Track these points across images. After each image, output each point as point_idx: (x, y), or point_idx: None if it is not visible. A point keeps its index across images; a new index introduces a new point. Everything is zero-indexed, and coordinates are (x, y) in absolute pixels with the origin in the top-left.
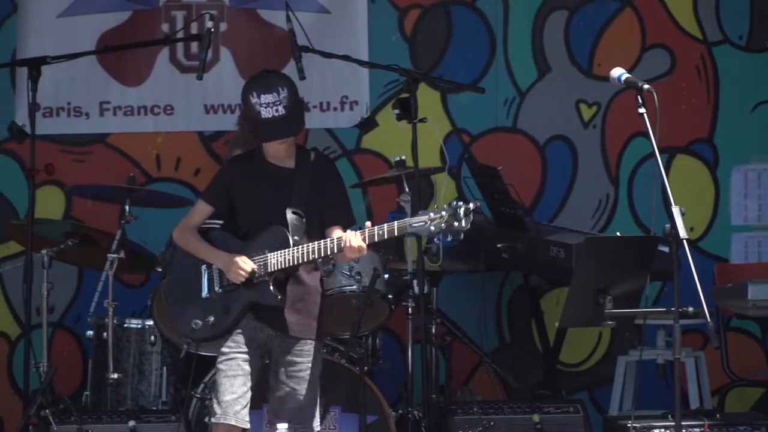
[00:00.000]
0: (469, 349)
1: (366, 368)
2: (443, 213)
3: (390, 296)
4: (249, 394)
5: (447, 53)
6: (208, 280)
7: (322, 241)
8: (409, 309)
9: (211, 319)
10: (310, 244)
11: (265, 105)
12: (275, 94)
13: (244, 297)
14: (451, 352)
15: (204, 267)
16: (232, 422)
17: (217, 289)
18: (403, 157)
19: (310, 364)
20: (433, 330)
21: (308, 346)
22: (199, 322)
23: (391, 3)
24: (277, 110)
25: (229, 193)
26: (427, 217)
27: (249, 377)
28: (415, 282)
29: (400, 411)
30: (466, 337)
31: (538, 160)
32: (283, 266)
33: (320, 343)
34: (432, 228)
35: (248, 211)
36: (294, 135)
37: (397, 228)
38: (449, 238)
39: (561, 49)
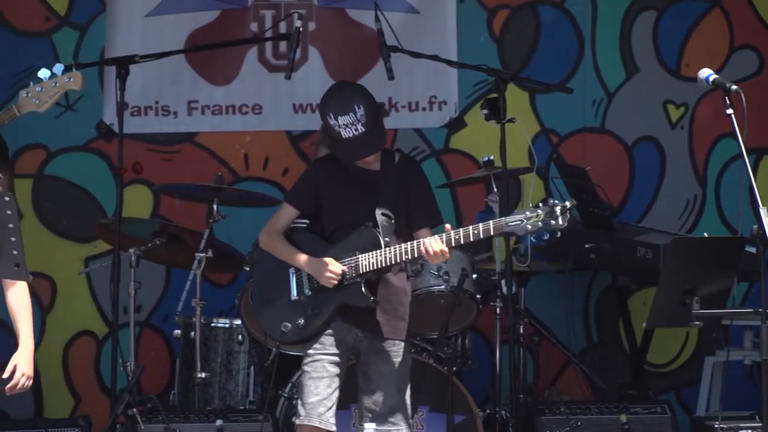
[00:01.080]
0: (556, 349)
1: (454, 368)
2: (539, 211)
3: (478, 296)
4: (335, 396)
5: (535, 53)
6: (297, 282)
7: (413, 242)
8: (497, 309)
9: (301, 321)
10: (402, 245)
11: (343, 126)
12: (352, 114)
13: (336, 299)
14: (539, 352)
15: (292, 270)
16: (316, 424)
17: (306, 291)
18: (492, 158)
19: (399, 365)
20: (521, 330)
21: (397, 347)
22: (289, 325)
23: (480, 3)
24: (356, 129)
25: (315, 195)
26: (523, 215)
27: (334, 379)
28: (503, 282)
29: (488, 411)
30: (554, 337)
31: (625, 161)
32: (375, 268)
33: (409, 344)
34: (529, 227)
35: (335, 212)
36: (376, 151)
37: (493, 227)
38: (545, 237)
39: (649, 49)
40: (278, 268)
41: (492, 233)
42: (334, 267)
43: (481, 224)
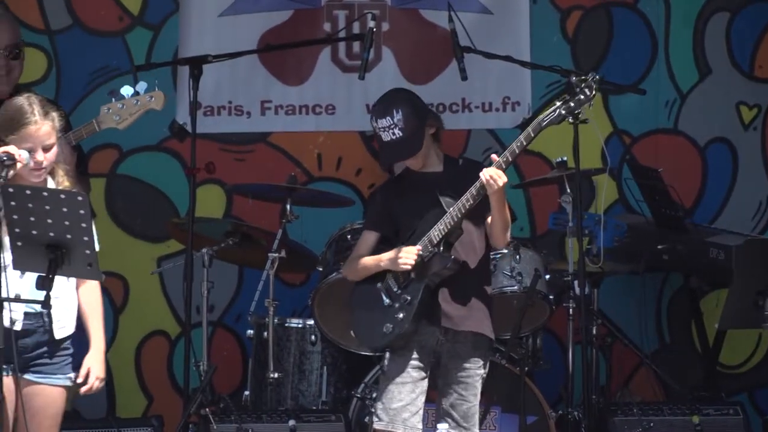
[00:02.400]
0: (629, 350)
1: (526, 369)
2: (566, 95)
3: (551, 297)
4: (420, 401)
5: (608, 54)
6: (386, 290)
7: (469, 190)
8: (570, 310)
9: (400, 315)
10: (459, 200)
11: (382, 129)
12: (389, 118)
13: (420, 276)
14: (612, 353)
15: (378, 284)
16: (400, 429)
17: (395, 290)
18: (565, 158)
19: (479, 370)
20: (594, 331)
21: (478, 352)
22: (390, 326)
23: (553, 4)
24: (393, 133)
25: (388, 215)
26: (553, 106)
27: (418, 384)
28: (576, 283)
29: (560, 411)
30: (626, 338)
31: (698, 162)
32: (444, 233)
33: (489, 349)
34: (563, 111)
35: (408, 220)
36: (410, 157)
37: (532, 129)
38: (581, 111)
39: (722, 50)
40: (366, 290)
41: (533, 135)
42: (408, 249)
43: (521, 134)
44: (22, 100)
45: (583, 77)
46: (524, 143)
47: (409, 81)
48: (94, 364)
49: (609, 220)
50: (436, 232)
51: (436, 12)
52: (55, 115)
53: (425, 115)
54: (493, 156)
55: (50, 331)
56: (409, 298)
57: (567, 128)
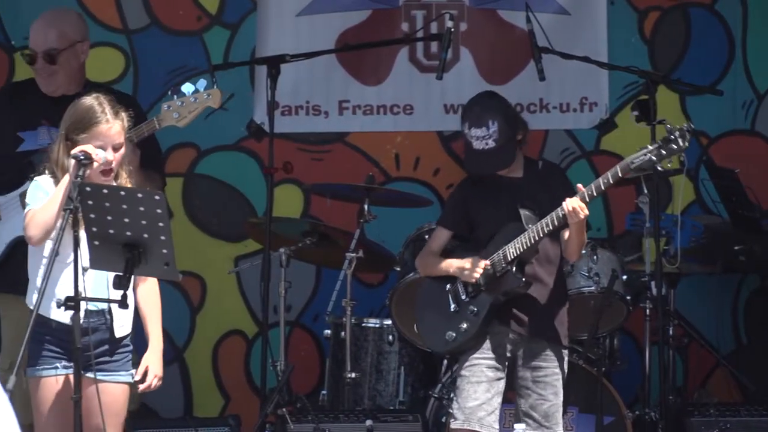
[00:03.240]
0: (705, 350)
1: (603, 369)
2: (659, 142)
3: (628, 297)
4: (495, 401)
5: (686, 55)
6: (453, 294)
7: (550, 214)
8: (647, 310)
9: (464, 326)
10: (540, 221)
11: (475, 138)
12: (485, 128)
13: (491, 291)
14: (688, 353)
15: (447, 286)
16: (476, 428)
17: (463, 298)
18: None
19: (556, 369)
20: (671, 331)
21: (553, 350)
22: (453, 334)
23: (631, 4)
24: (486, 143)
25: (464, 214)
26: (645, 149)
27: (493, 383)
28: (653, 283)
29: (637, 412)
30: (703, 338)
31: None
32: (519, 251)
33: (565, 348)
34: (653, 157)
35: (486, 225)
36: (500, 170)
37: (621, 169)
38: (670, 162)
39: None
40: (435, 290)
41: (621, 175)
42: (478, 261)
43: (609, 171)
44: (91, 99)
45: (678, 126)
46: (610, 181)
47: (487, 81)
48: (153, 362)
49: (686, 221)
50: (512, 249)
51: (513, 12)
52: (124, 115)
53: (517, 126)
54: (579, 186)
55: (111, 330)
56: (476, 309)
57: (644, 129)
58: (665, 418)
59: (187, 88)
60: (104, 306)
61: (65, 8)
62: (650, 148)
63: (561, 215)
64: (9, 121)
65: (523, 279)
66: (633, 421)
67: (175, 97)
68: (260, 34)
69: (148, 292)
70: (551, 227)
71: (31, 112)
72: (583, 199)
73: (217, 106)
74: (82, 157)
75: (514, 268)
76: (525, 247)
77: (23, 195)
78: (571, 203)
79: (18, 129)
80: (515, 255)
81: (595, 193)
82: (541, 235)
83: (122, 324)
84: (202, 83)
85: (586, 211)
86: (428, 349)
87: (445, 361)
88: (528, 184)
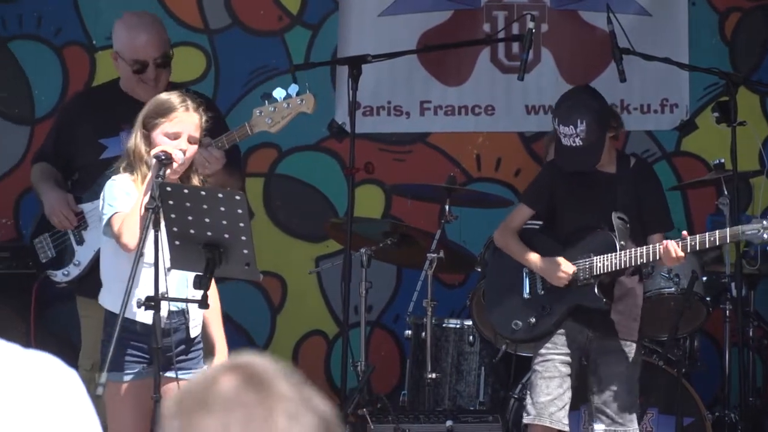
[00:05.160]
0: None
1: (683, 370)
2: None
3: (708, 299)
4: (567, 396)
5: (766, 56)
6: (530, 282)
7: (649, 246)
8: (727, 311)
9: (533, 320)
10: (638, 248)
11: (563, 135)
12: (572, 126)
13: (569, 300)
14: None
15: (525, 270)
16: (547, 423)
17: (539, 290)
18: (722, 160)
19: (629, 366)
20: (751, 333)
21: (628, 348)
22: (520, 323)
23: (711, 5)
24: (574, 141)
25: (549, 196)
26: (760, 225)
27: (566, 379)
28: (733, 285)
29: (717, 413)
30: None
31: None
32: (609, 270)
33: (640, 345)
34: (765, 236)
35: (571, 214)
36: (586, 169)
37: (730, 235)
38: None
39: None
40: (511, 268)
41: (728, 241)
42: (566, 267)
43: (717, 232)
44: (173, 92)
45: None
46: (716, 243)
47: (568, 82)
48: None
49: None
50: (600, 264)
51: (594, 13)
52: (203, 114)
53: (608, 123)
54: (684, 233)
55: (188, 329)
56: (549, 309)
57: (725, 130)
58: (745, 419)
59: (279, 93)
60: (183, 306)
61: (146, 12)
62: (766, 224)
63: (657, 255)
64: (90, 128)
65: (604, 300)
66: (713, 422)
67: (267, 102)
68: (342, 34)
69: (210, 297)
70: (644, 260)
71: (112, 117)
72: (684, 249)
73: (311, 112)
74: (162, 157)
75: (596, 288)
76: (614, 269)
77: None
78: (673, 250)
79: (99, 136)
80: (602, 273)
81: (698, 248)
82: (633, 265)
83: (196, 324)
84: (294, 88)
85: (684, 260)
86: (491, 331)
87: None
88: (621, 180)
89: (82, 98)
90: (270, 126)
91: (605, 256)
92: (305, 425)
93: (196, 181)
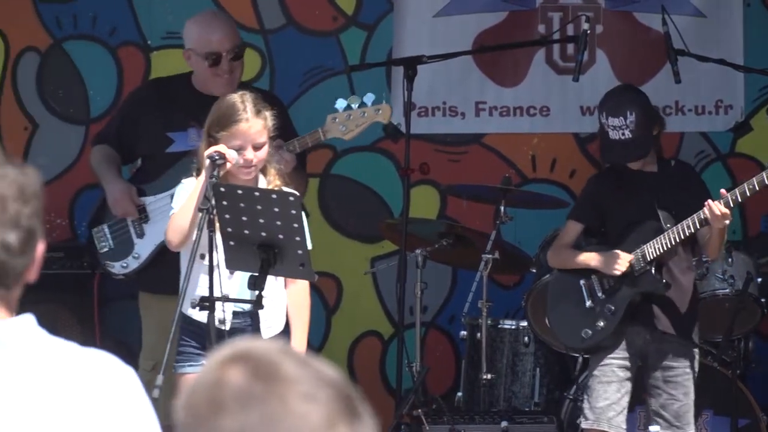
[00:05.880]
0: None
1: (738, 371)
2: None
3: (762, 300)
4: (625, 401)
5: None
6: (588, 290)
7: (693, 215)
8: None
9: (601, 324)
10: (681, 224)
11: (612, 127)
12: (622, 118)
13: (629, 292)
14: None
15: (582, 281)
16: (605, 428)
17: (599, 295)
18: None
19: (687, 369)
20: None
21: (685, 351)
22: (589, 331)
23: (766, 6)
24: (623, 134)
25: (597, 208)
26: None
27: (624, 383)
28: None
29: None
30: None
31: None
32: (660, 252)
33: (696, 347)
34: None
35: (618, 216)
36: (636, 160)
37: (766, 176)
38: None
39: None
40: (569, 284)
41: (766, 182)
42: (623, 255)
43: (755, 177)
44: (235, 97)
45: None
46: (756, 188)
47: (622, 83)
48: None
49: None
50: (652, 249)
51: (649, 14)
52: (267, 114)
53: (654, 119)
54: (723, 191)
55: (257, 331)
56: (613, 308)
57: None
58: None
59: (354, 101)
60: (250, 307)
61: (216, 9)
62: None
63: (702, 218)
64: (157, 120)
65: (663, 281)
66: None
67: (341, 109)
68: (397, 35)
69: (297, 294)
70: (692, 230)
71: (180, 112)
72: (727, 205)
73: (387, 122)
74: (216, 157)
75: (653, 270)
76: (665, 248)
77: (173, 197)
78: (716, 207)
79: (167, 129)
80: (655, 255)
81: (739, 199)
82: (682, 237)
83: (270, 325)
84: (369, 97)
85: (730, 217)
86: (560, 345)
87: (580, 359)
88: (663, 179)
89: (153, 87)
90: (344, 133)
91: (655, 239)
92: (324, 402)
93: (273, 174)
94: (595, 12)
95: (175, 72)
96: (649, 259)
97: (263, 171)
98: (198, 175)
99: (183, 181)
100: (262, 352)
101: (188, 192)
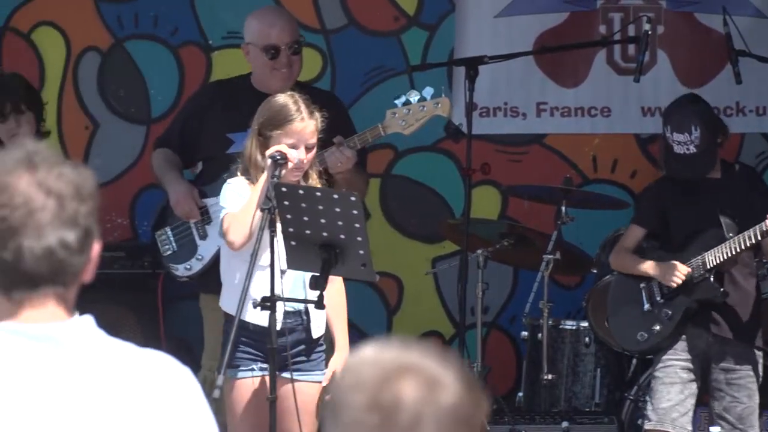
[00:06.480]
0: None
1: None
2: None
3: None
4: (689, 402)
5: None
6: (647, 294)
7: (753, 228)
8: None
9: (657, 327)
10: (742, 234)
11: (676, 142)
12: (686, 134)
13: (687, 300)
14: None
15: (642, 284)
16: (669, 429)
17: (658, 299)
18: None
19: (750, 372)
20: None
21: (747, 352)
22: (645, 335)
23: None
24: (687, 149)
25: (660, 212)
26: None
27: (687, 385)
28: None
29: None
30: None
31: None
32: (720, 260)
33: (760, 350)
34: None
35: (681, 222)
36: (699, 176)
37: None
38: None
39: None
40: (629, 286)
41: None
42: (680, 267)
43: None
44: (286, 97)
45: None
46: None
47: (683, 84)
48: (340, 367)
49: None
50: (712, 257)
51: (710, 15)
52: (318, 115)
53: (718, 131)
54: None
55: (308, 330)
56: (670, 313)
57: None
58: None
59: (413, 95)
60: (301, 307)
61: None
62: None
63: (765, 230)
64: (218, 122)
65: (721, 289)
66: None
67: (399, 104)
68: (458, 35)
69: (335, 295)
70: (753, 241)
71: (241, 113)
72: None
73: (447, 115)
74: (278, 157)
75: (712, 278)
76: (726, 257)
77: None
78: None
79: (227, 130)
80: (715, 264)
81: None
82: (743, 248)
83: (318, 324)
84: (428, 91)
85: None
86: (618, 346)
87: (635, 361)
88: (726, 185)
89: (213, 89)
90: (403, 128)
91: (716, 248)
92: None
93: (314, 177)
94: (656, 12)
95: (235, 71)
96: (708, 267)
97: (304, 174)
98: (242, 174)
99: (229, 180)
100: (433, 369)
101: (236, 192)
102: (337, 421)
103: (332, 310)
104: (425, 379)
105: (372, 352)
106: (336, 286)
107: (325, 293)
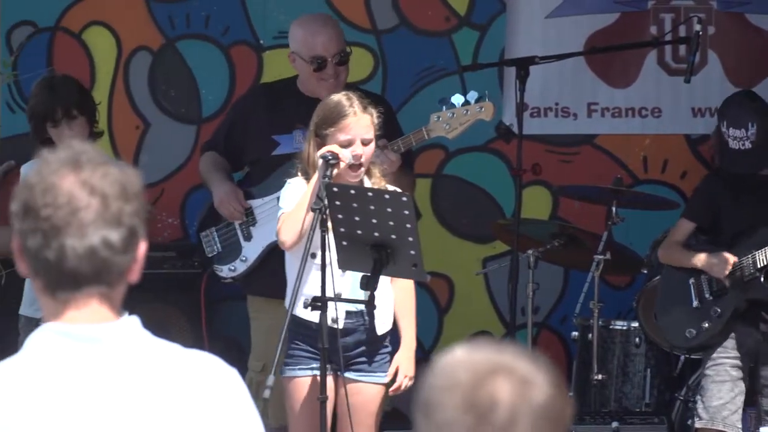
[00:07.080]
0: None
1: None
2: None
3: None
4: (739, 400)
5: None
6: (696, 290)
7: None
8: None
9: (705, 325)
10: None
11: (733, 138)
12: (743, 130)
13: (737, 298)
14: None
15: (691, 280)
16: (720, 427)
17: (707, 296)
18: None
19: None
20: None
21: None
22: (694, 331)
23: None
24: (743, 144)
25: (711, 207)
26: None
27: (737, 383)
28: None
29: None
30: None
31: None
32: None
33: None
34: None
35: (733, 219)
36: (754, 171)
37: None
38: None
39: None
40: (678, 281)
41: None
42: (729, 257)
43: None
44: (340, 96)
45: None
46: None
47: (734, 85)
48: (404, 362)
49: None
50: (763, 256)
51: (761, 16)
52: (373, 111)
53: None
54: None
55: (370, 329)
56: (719, 311)
57: None
58: None
59: (457, 99)
60: (363, 307)
61: (321, 12)
62: None
63: None
64: (264, 123)
65: None
66: None
67: (445, 107)
68: (509, 35)
69: (403, 292)
70: None
71: (287, 115)
72: None
73: (490, 120)
74: (329, 157)
75: (762, 278)
76: None
77: (279, 199)
78: None
79: (273, 132)
80: (766, 263)
81: None
82: None
83: (383, 321)
84: (472, 95)
85: None
86: (668, 345)
87: (682, 358)
88: None
89: (260, 92)
90: (447, 132)
91: (767, 247)
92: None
93: (377, 175)
94: (707, 13)
95: (286, 71)
96: (759, 266)
97: (368, 173)
98: (302, 175)
99: (289, 181)
100: (526, 371)
101: (296, 191)
102: (430, 422)
103: (400, 308)
104: (518, 378)
105: (464, 353)
106: (403, 283)
107: (389, 291)
